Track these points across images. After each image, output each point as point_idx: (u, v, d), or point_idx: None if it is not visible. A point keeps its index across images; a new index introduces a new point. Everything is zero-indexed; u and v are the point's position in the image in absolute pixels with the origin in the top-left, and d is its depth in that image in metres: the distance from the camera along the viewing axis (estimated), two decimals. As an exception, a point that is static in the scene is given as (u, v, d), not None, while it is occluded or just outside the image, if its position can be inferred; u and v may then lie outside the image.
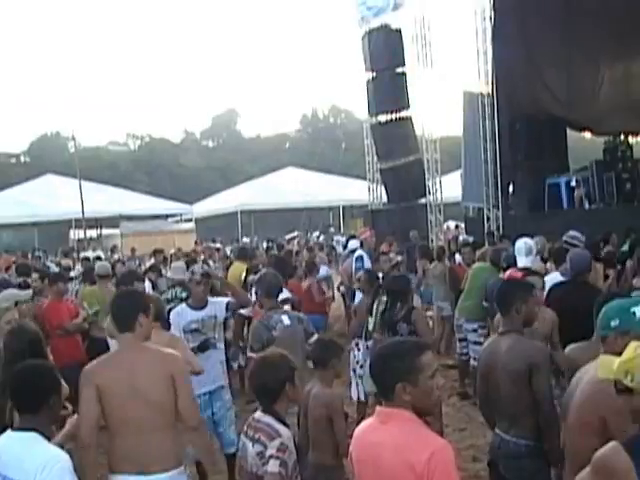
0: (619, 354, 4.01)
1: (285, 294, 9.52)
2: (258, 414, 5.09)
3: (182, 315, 8.78)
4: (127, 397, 5.35)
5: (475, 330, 12.00)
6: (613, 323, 4.48)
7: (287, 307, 9.05)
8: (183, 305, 9.02)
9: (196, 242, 28.60)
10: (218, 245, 30.81)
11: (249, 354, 7.86)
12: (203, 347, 8.47)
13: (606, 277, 11.92)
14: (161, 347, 5.73)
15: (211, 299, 9.02)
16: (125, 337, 5.61)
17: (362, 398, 10.79)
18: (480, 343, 10.60)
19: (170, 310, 8.89)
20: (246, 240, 38.71)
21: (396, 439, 3.74)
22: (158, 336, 7.57)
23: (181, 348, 6.80)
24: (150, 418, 5.31)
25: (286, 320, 7.88)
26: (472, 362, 11.60)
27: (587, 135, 29.64)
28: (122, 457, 5.42)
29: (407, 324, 8.48)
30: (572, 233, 11.73)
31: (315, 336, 8.06)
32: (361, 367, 10.63)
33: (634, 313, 4.53)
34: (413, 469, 3.60)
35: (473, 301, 12.08)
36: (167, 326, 8.19)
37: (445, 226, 29.04)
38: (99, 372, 5.53)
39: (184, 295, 11.44)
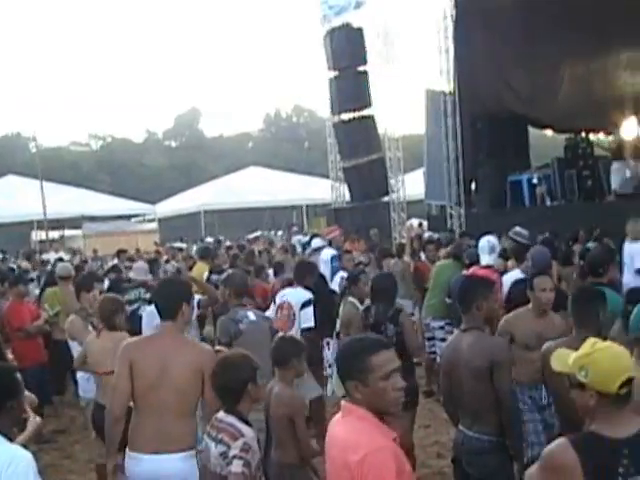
0: None
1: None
2: (221, 414, 5.07)
3: (155, 314, 8.78)
4: (156, 380, 5.58)
5: (442, 327, 12.02)
6: None
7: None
8: None
9: (156, 243, 28.39)
10: (181, 245, 30.68)
11: (217, 347, 7.86)
12: None
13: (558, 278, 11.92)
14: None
15: None
16: (166, 324, 5.88)
17: (329, 393, 10.80)
18: (446, 340, 10.64)
19: (133, 311, 8.86)
20: (210, 240, 38.62)
21: (344, 435, 3.74)
22: (106, 337, 7.63)
23: None
24: (174, 403, 5.44)
25: (251, 316, 7.94)
26: (439, 360, 11.63)
27: (549, 133, 29.80)
28: (142, 436, 5.62)
29: (394, 325, 8.39)
30: (517, 229, 11.85)
31: (281, 334, 8.08)
32: (330, 367, 10.60)
33: None
34: (348, 468, 3.58)
35: (438, 299, 12.10)
36: (114, 327, 8.08)
37: (408, 224, 29.09)
38: (136, 347, 5.85)
39: (147, 296, 11.41)
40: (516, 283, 9.05)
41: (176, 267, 13.39)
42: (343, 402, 3.85)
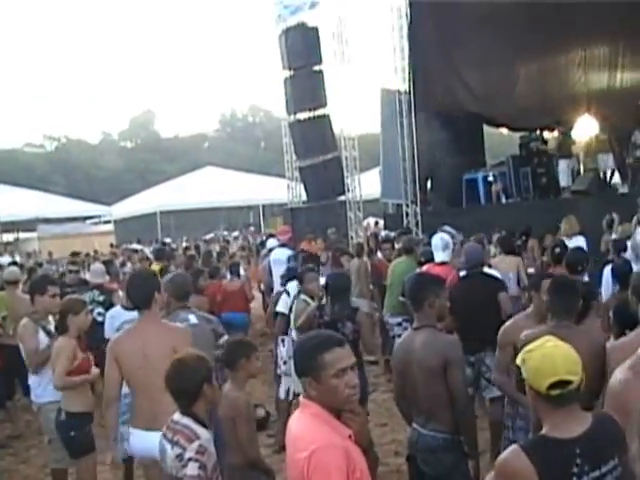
0: None
1: None
2: (177, 416, 5.03)
3: (116, 317, 8.91)
4: (140, 364, 6.38)
5: (399, 324, 12.08)
6: None
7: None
8: (118, 307, 9.16)
9: (112, 245, 28.19)
10: (137, 247, 30.54)
11: None
12: None
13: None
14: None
15: None
16: (143, 313, 6.64)
17: (282, 397, 10.78)
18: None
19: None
20: (168, 240, 38.44)
21: (296, 431, 3.73)
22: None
23: None
24: (159, 383, 5.47)
25: (193, 319, 7.88)
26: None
27: (504, 131, 29.99)
28: (138, 414, 6.51)
29: (352, 323, 8.39)
30: (446, 228, 11.99)
31: (225, 337, 8.04)
32: (284, 363, 10.58)
33: None
34: (297, 465, 3.55)
35: (394, 295, 12.18)
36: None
37: (365, 223, 29.12)
38: (118, 343, 6.62)
39: (102, 299, 11.34)
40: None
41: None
42: (300, 398, 3.84)
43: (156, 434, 5.50)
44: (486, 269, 10.02)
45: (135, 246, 31.18)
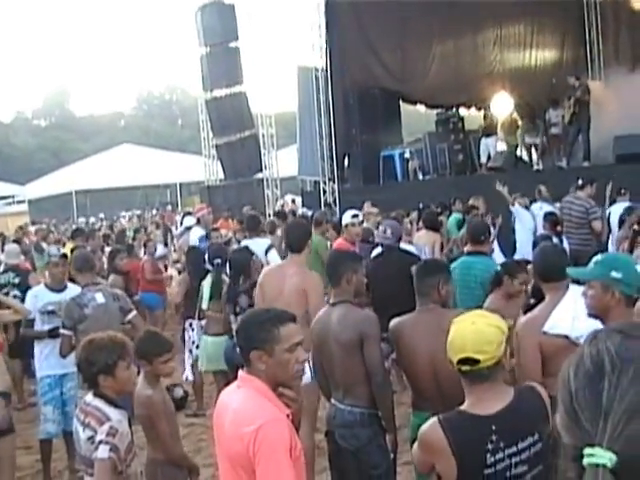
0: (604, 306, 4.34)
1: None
2: (89, 397, 4.93)
3: (39, 297, 8.71)
4: (276, 296, 7.16)
5: None
6: (615, 274, 4.41)
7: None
8: (41, 286, 8.92)
9: (21, 227, 27.53)
10: (51, 227, 30.06)
11: (61, 331, 7.78)
12: (53, 334, 8.32)
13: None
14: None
15: (69, 284, 8.88)
16: (292, 256, 7.65)
17: (190, 378, 10.79)
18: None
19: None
20: (93, 220, 37.91)
21: (237, 405, 3.70)
22: None
23: None
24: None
25: (100, 298, 7.83)
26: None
27: (420, 108, 30.15)
28: None
29: (249, 297, 8.44)
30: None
31: (133, 313, 7.97)
32: (197, 347, 10.54)
33: (636, 271, 4.53)
34: (242, 439, 3.52)
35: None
36: None
37: (282, 200, 29.10)
38: (266, 274, 7.78)
39: (17, 280, 11.14)
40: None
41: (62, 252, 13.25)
42: (241, 372, 3.82)
43: None
44: (404, 245, 10.08)
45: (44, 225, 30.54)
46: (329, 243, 12.79)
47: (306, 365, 4.30)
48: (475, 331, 3.69)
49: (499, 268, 7.78)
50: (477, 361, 3.64)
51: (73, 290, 8.56)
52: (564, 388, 1.74)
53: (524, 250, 11.50)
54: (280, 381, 3.76)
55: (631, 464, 1.59)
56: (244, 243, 11.63)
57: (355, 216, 9.74)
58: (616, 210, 12.51)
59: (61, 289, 8.69)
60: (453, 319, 3.89)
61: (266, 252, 11.29)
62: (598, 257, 4.60)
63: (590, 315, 4.49)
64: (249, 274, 8.83)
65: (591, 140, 18.43)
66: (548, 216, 12.54)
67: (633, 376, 1.64)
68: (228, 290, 8.96)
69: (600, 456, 1.59)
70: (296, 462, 3.63)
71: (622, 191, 13.32)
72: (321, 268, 12.50)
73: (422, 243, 11.31)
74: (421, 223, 12.77)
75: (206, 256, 10.19)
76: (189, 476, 5.82)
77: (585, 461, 1.61)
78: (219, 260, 9.87)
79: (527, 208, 13.82)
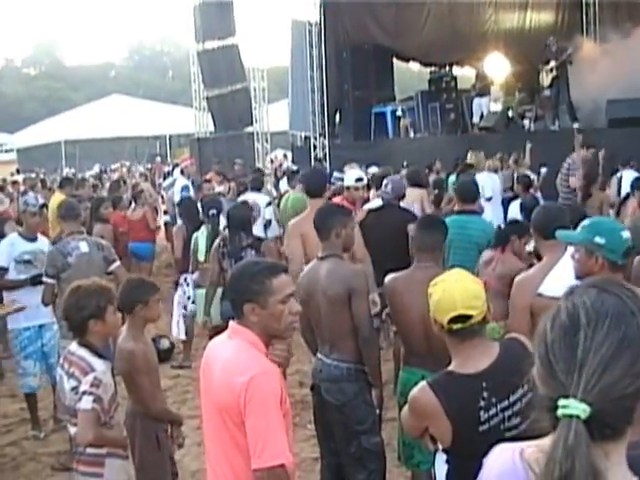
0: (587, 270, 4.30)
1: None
2: (73, 346, 4.90)
3: (15, 245, 8.55)
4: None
5: None
6: (598, 239, 4.39)
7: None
8: (15, 234, 8.81)
9: (4, 179, 27.29)
10: (41, 175, 29.90)
11: (44, 279, 7.71)
12: (35, 281, 8.19)
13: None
14: None
15: (39, 235, 8.86)
16: (313, 202, 7.93)
17: (182, 336, 10.75)
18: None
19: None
20: (92, 172, 37.65)
21: (229, 356, 3.67)
22: None
23: None
24: None
25: (84, 247, 7.77)
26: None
27: (414, 66, 30.01)
28: None
29: (256, 252, 8.40)
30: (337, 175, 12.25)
31: (116, 263, 7.92)
32: (193, 302, 10.48)
33: (621, 237, 4.47)
34: (233, 390, 3.51)
35: None
36: None
37: (273, 155, 28.99)
38: (301, 225, 7.69)
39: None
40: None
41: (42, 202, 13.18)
42: (232, 322, 3.79)
43: None
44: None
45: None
46: None
47: None
48: (462, 288, 3.69)
49: (498, 227, 7.80)
50: (469, 317, 3.64)
51: (43, 242, 8.59)
52: (540, 340, 1.80)
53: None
54: (273, 333, 3.75)
55: (604, 415, 1.63)
56: (244, 197, 11.84)
57: (359, 180, 9.66)
58: (628, 176, 12.46)
59: (34, 239, 8.60)
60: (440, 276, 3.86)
61: (266, 206, 11.79)
62: (585, 221, 4.56)
63: (577, 278, 4.47)
64: (250, 230, 8.77)
65: (585, 103, 18.36)
66: (521, 178, 12.73)
67: (608, 329, 1.68)
68: (226, 245, 8.83)
69: (574, 407, 1.62)
70: (286, 415, 3.63)
71: (631, 163, 13.23)
72: None
73: (410, 201, 11.27)
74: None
75: (199, 207, 10.14)
76: (171, 428, 5.79)
77: (559, 412, 1.64)
78: (214, 211, 9.81)
79: (496, 172, 13.87)
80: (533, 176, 13.26)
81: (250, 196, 12.80)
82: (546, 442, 1.72)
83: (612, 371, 1.63)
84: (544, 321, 1.81)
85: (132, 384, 5.53)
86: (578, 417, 1.61)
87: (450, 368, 3.73)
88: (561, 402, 1.64)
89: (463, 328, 3.65)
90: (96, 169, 38.56)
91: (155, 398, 5.67)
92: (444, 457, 3.77)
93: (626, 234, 4.48)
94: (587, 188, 10.76)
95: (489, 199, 11.76)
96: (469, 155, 13.66)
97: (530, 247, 7.32)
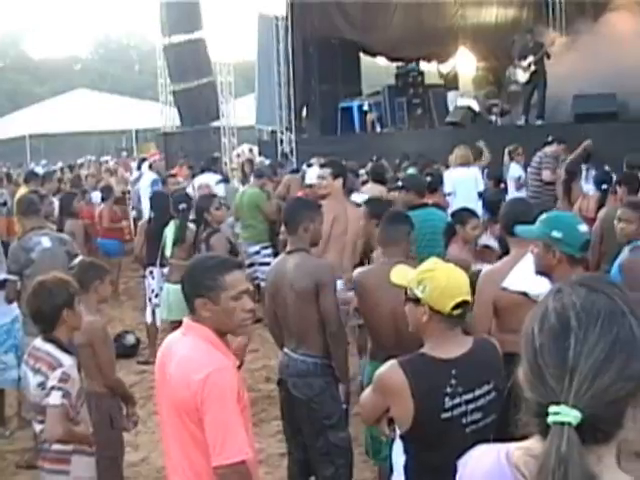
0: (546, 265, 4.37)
1: None
2: (38, 342, 4.88)
3: None
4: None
5: (258, 252, 12.14)
6: (555, 233, 4.41)
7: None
8: None
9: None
10: (4, 169, 29.62)
11: (7, 276, 7.66)
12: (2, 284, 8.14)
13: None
14: None
15: None
16: None
17: (149, 320, 10.75)
18: (268, 264, 10.81)
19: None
20: (57, 166, 37.31)
21: (185, 353, 3.65)
22: None
23: None
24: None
25: (46, 242, 7.77)
26: (263, 284, 11.69)
27: (380, 61, 30.01)
28: None
29: (206, 246, 8.41)
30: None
31: (79, 258, 7.88)
32: (156, 296, 10.47)
33: (578, 231, 4.50)
34: (189, 387, 3.50)
35: (246, 225, 12.26)
36: None
37: (240, 149, 28.92)
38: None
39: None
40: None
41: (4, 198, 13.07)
42: (186, 319, 3.77)
43: None
44: (355, 195, 9.98)
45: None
46: (267, 195, 13.01)
47: None
48: (461, 275, 3.76)
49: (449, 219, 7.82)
50: (467, 302, 3.72)
51: None
52: (528, 344, 1.72)
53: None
54: (225, 329, 3.73)
55: (596, 420, 1.59)
56: (197, 179, 12.65)
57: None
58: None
59: None
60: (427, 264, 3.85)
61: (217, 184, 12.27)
62: (542, 216, 4.59)
63: (537, 273, 4.51)
64: (207, 221, 8.77)
65: (551, 98, 18.42)
66: (492, 173, 13.00)
67: (600, 332, 1.62)
68: (195, 236, 8.85)
69: (566, 414, 1.58)
70: (243, 410, 3.63)
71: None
72: (262, 222, 12.64)
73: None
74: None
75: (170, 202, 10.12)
76: (126, 407, 5.83)
77: (550, 419, 1.60)
78: (184, 205, 9.76)
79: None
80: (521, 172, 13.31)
81: (202, 177, 12.94)
82: (534, 445, 1.70)
83: (604, 375, 1.59)
84: (531, 323, 1.74)
85: (91, 358, 5.58)
86: (570, 424, 1.57)
87: (422, 350, 3.75)
88: (552, 409, 1.60)
89: (462, 314, 3.70)
90: (60, 164, 38.34)
91: (113, 369, 5.74)
92: (402, 447, 3.80)
93: (583, 227, 4.53)
94: (569, 182, 10.79)
95: (449, 194, 11.73)
96: (456, 150, 13.43)
97: (477, 232, 7.43)
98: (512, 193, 12.81)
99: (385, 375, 3.73)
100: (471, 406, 3.66)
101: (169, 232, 9.72)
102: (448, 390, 3.61)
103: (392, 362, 3.73)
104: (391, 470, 3.99)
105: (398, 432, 3.76)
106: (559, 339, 1.65)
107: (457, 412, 3.63)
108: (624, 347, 1.62)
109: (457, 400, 3.62)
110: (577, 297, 1.70)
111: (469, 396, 3.64)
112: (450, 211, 8.98)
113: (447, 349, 3.69)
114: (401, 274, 3.96)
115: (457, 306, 3.65)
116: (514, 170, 13.74)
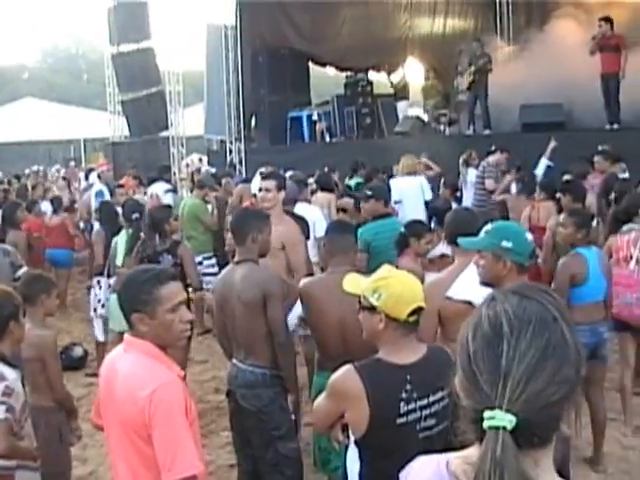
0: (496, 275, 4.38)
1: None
2: (-18, 356, 4.79)
3: None
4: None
5: (200, 263, 12.10)
6: (505, 243, 4.43)
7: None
8: None
9: None
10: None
11: None
12: None
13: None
14: None
15: None
16: None
17: (101, 338, 10.55)
18: (211, 274, 10.81)
19: None
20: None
21: (128, 369, 3.61)
22: None
23: None
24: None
25: None
26: (208, 294, 11.64)
27: (330, 71, 30.06)
28: None
29: (172, 256, 8.32)
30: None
31: (23, 269, 7.79)
32: (103, 306, 10.36)
33: (526, 240, 4.57)
34: (136, 403, 3.46)
35: (190, 234, 12.22)
36: None
37: (189, 159, 28.81)
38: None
39: None
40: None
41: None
42: (126, 335, 3.73)
43: None
44: (304, 205, 9.93)
45: None
46: (209, 207, 13.09)
47: None
48: (415, 281, 3.82)
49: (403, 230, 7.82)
50: (422, 309, 3.76)
51: None
52: (462, 350, 1.75)
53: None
54: (164, 343, 3.69)
55: (530, 424, 1.61)
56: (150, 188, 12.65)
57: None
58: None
59: None
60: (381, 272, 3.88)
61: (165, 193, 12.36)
62: (488, 226, 4.61)
63: (482, 284, 4.53)
64: (166, 232, 8.67)
65: (498, 108, 18.57)
66: (448, 182, 13.22)
67: (531, 337, 1.66)
68: (145, 248, 8.71)
69: (500, 419, 1.60)
70: (192, 423, 3.60)
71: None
72: (203, 233, 12.62)
73: (319, 204, 11.28)
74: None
75: (120, 211, 10.02)
76: (68, 419, 5.79)
77: (485, 424, 1.62)
78: (137, 215, 9.62)
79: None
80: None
81: (155, 186, 12.87)
82: (472, 453, 1.71)
83: (537, 380, 1.62)
84: (465, 330, 1.77)
85: (41, 373, 5.51)
86: (504, 428, 1.59)
87: (378, 356, 3.76)
88: (486, 414, 1.62)
89: (417, 320, 3.74)
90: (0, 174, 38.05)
91: (62, 383, 5.69)
92: (356, 454, 3.79)
93: (529, 236, 4.59)
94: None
95: (397, 202, 11.78)
96: (403, 159, 13.50)
97: (430, 246, 7.48)
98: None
99: (340, 380, 3.74)
100: (425, 412, 3.69)
101: (120, 241, 9.58)
102: (403, 395, 3.64)
103: (348, 367, 3.73)
104: (345, 478, 3.98)
105: (352, 438, 3.77)
106: (492, 345, 1.68)
107: (412, 417, 3.66)
108: (555, 352, 1.66)
109: (412, 405, 3.65)
110: (509, 304, 1.73)
111: (424, 402, 3.68)
112: (397, 219, 9.07)
113: (402, 355, 3.72)
114: (354, 283, 3.99)
115: (413, 312, 3.69)
116: (472, 174, 13.98)
